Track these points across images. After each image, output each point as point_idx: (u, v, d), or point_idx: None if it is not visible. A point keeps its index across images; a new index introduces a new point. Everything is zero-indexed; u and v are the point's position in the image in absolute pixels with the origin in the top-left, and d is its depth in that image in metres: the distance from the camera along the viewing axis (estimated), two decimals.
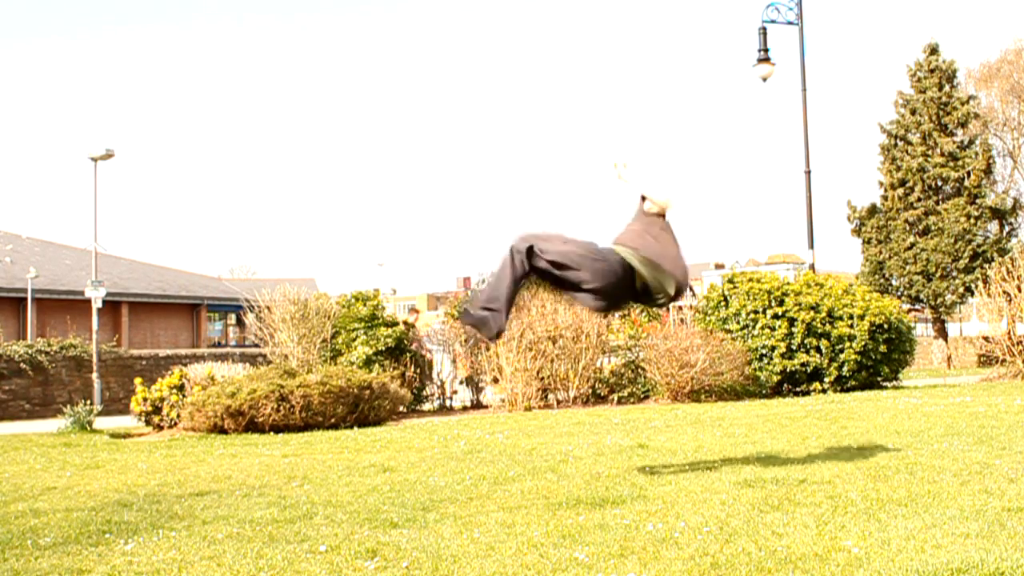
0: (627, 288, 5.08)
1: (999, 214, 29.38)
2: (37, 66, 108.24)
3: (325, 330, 13.90)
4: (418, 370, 13.84)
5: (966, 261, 28.15)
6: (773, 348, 13.31)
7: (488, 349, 13.43)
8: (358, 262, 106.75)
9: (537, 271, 4.99)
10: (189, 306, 37.59)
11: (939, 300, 28.75)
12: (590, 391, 13.26)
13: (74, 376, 18.98)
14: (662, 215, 5.23)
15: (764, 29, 17.10)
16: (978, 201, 28.75)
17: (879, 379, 13.71)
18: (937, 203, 29.30)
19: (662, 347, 12.72)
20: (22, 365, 18.14)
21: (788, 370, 13.32)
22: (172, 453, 8.44)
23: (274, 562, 3.58)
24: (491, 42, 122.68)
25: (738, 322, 13.77)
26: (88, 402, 13.89)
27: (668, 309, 16.71)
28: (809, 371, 13.35)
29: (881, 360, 13.54)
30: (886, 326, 13.53)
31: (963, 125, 29.73)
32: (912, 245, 28.99)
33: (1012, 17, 68.31)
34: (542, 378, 12.95)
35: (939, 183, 29.44)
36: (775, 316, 13.44)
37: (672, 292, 5.07)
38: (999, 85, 34.14)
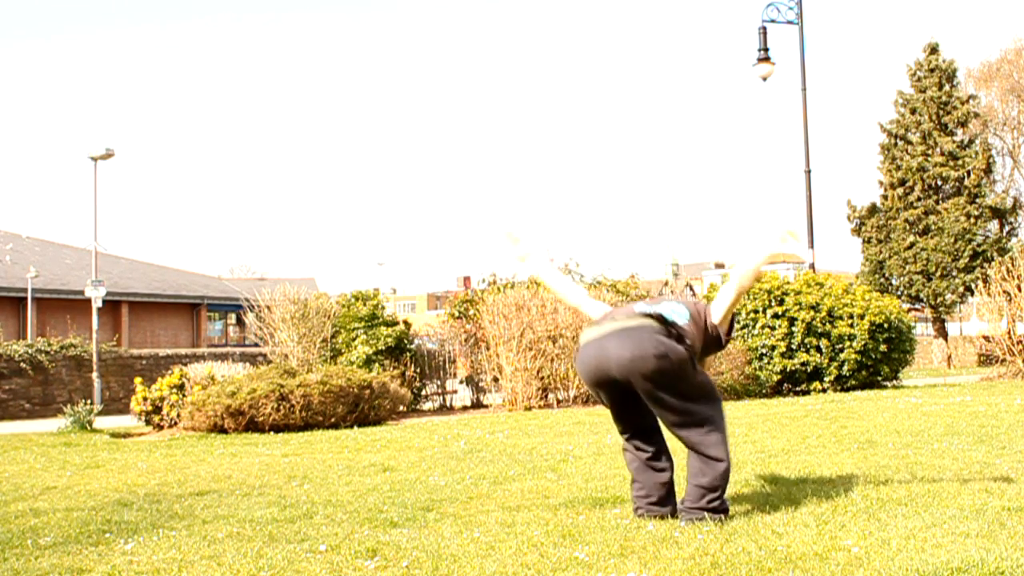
0: None
1: (999, 213, 29.37)
2: (37, 66, 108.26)
3: (325, 329, 13.90)
4: (418, 370, 13.84)
5: (966, 260, 28.13)
6: (773, 347, 13.30)
7: (488, 348, 13.43)
8: (358, 262, 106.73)
9: None
10: (189, 306, 37.56)
11: (939, 299, 28.74)
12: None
13: (74, 376, 18.98)
14: None
15: (764, 29, 17.09)
16: (978, 200, 28.74)
17: (879, 378, 13.70)
18: (937, 202, 29.28)
19: None
20: (22, 365, 18.13)
21: (788, 369, 13.31)
22: (172, 453, 8.45)
23: (274, 562, 3.58)
24: (491, 41, 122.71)
25: (738, 321, 13.76)
26: (88, 402, 13.87)
27: None
28: (809, 370, 13.35)
29: (881, 359, 13.53)
30: (886, 325, 13.53)
31: (963, 124, 29.72)
32: (912, 244, 28.97)
33: (1012, 17, 68.28)
34: (542, 378, 12.94)
35: (939, 182, 29.44)
36: (775, 315, 13.44)
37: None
38: (999, 85, 34.19)
